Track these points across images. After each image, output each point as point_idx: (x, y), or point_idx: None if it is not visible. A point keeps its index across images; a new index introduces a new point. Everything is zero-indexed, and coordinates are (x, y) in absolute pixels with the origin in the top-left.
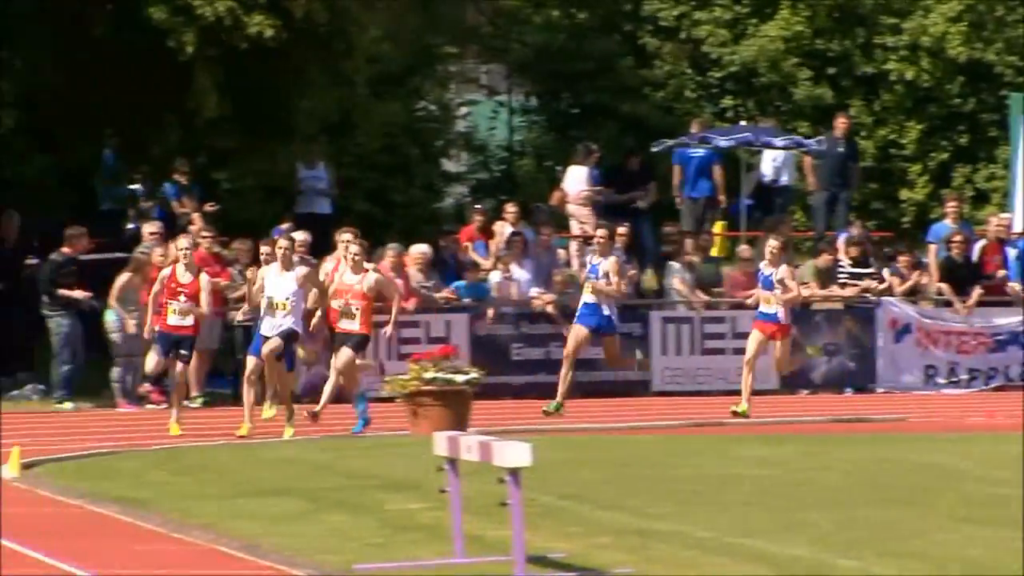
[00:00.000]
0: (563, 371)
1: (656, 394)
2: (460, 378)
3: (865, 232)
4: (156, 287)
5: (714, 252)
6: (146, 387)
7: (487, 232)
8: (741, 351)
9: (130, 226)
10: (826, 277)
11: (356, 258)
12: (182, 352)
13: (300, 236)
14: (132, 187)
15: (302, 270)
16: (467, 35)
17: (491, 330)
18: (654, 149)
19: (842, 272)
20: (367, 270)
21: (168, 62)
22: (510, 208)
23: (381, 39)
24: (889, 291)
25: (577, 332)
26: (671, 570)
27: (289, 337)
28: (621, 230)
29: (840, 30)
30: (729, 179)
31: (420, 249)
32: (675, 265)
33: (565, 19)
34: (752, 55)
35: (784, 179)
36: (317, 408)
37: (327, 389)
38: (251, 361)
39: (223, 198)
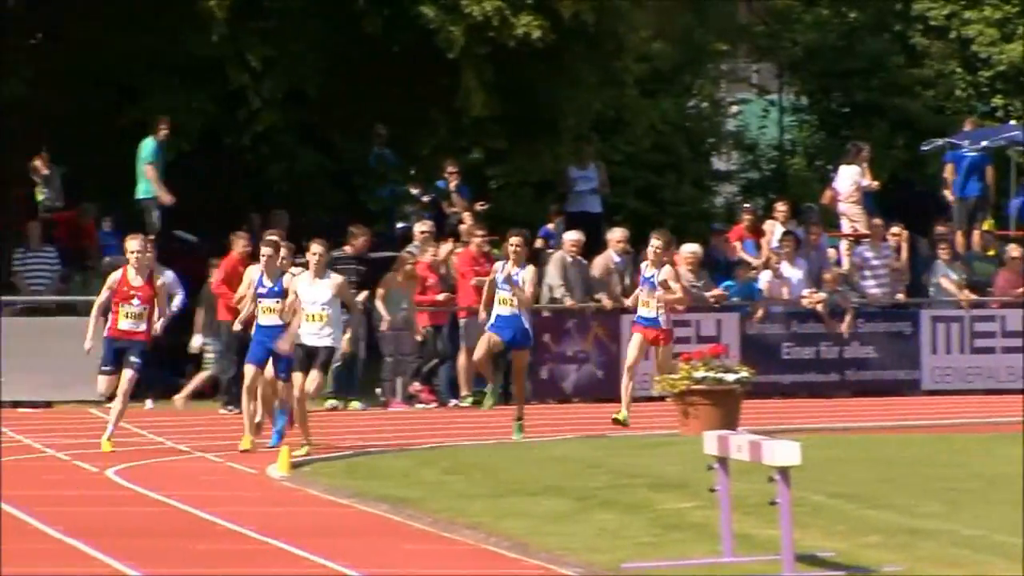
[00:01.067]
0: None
1: (926, 393)
2: (730, 377)
3: None
4: (105, 292)
5: (991, 252)
6: (416, 386)
7: (757, 231)
8: (1012, 350)
9: (400, 225)
10: None
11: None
12: (132, 359)
13: (573, 236)
14: (400, 186)
15: (337, 279)
16: (738, 34)
17: (761, 329)
18: (924, 148)
19: None
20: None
21: (436, 61)
22: (780, 207)
23: (651, 38)
24: None
25: (492, 341)
26: (940, 569)
27: (326, 358)
28: (895, 230)
29: None
30: (998, 178)
31: (691, 248)
32: (942, 264)
33: (836, 18)
34: (1020, 54)
35: None
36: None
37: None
38: (250, 371)
39: (494, 196)
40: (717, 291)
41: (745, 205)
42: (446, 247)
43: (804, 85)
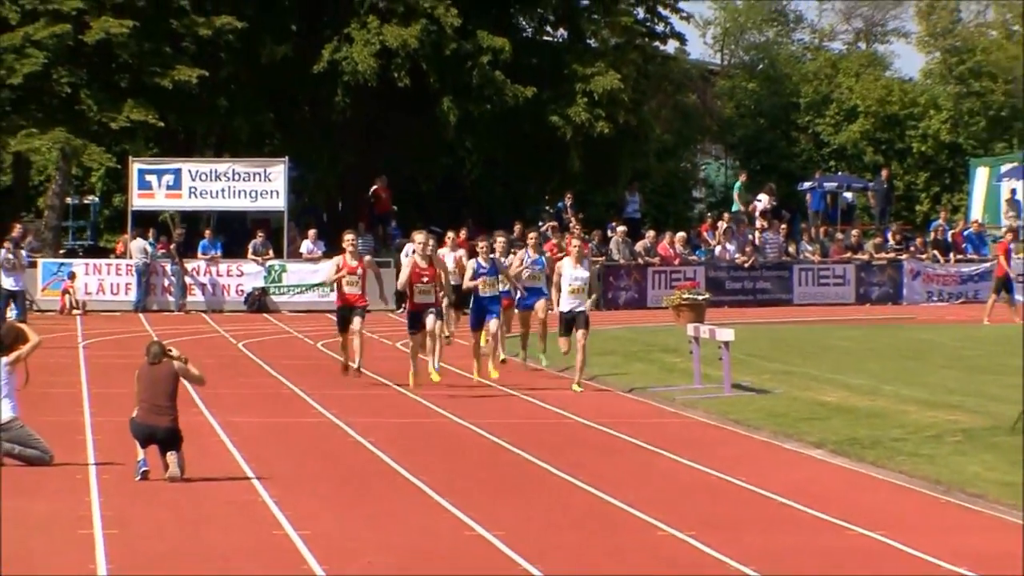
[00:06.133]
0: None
1: (795, 306)
2: (700, 297)
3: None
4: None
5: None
6: None
7: (713, 226)
8: (838, 284)
9: (541, 224)
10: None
11: (351, 248)
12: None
13: (622, 229)
14: (538, 205)
15: (590, 267)
16: (704, 129)
17: (716, 274)
18: (799, 188)
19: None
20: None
21: (553, 145)
22: (726, 215)
23: (663, 132)
24: None
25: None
26: (803, 392)
27: (586, 319)
28: (783, 227)
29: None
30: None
31: (681, 234)
32: (804, 243)
33: (753, 124)
34: (844, 140)
35: (849, 198)
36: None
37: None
38: (477, 333)
39: (587, 209)
40: (694, 256)
41: (708, 214)
42: (532, 235)
43: (739, 156)
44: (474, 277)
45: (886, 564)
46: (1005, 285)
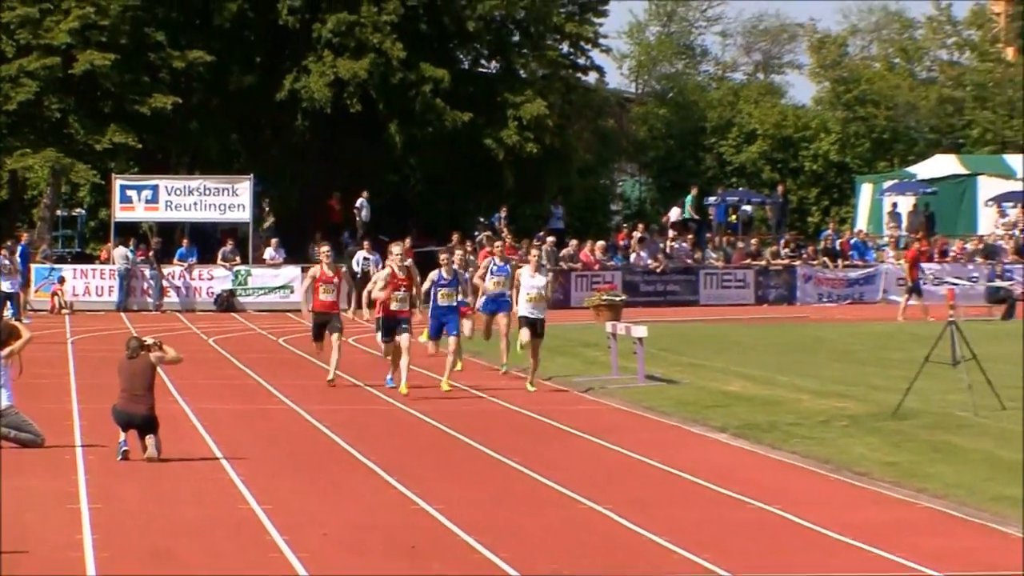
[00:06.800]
0: (503, 345)
1: (702, 306)
2: (617, 298)
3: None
4: (381, 284)
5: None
6: None
7: (629, 235)
8: (740, 287)
9: (476, 234)
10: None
11: (329, 259)
12: (404, 327)
13: (551, 239)
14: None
15: (548, 275)
16: (622, 150)
17: (631, 278)
18: (706, 202)
19: None
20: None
21: (490, 163)
22: (640, 226)
23: (585, 153)
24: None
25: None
26: (707, 381)
27: (542, 327)
28: (690, 236)
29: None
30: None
31: (601, 243)
32: (709, 250)
33: (664, 145)
34: (744, 159)
35: (749, 211)
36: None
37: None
38: (432, 342)
39: (516, 223)
40: (612, 262)
41: (624, 225)
42: (499, 244)
43: (652, 174)
44: (434, 288)
45: (781, 534)
46: (914, 289)
